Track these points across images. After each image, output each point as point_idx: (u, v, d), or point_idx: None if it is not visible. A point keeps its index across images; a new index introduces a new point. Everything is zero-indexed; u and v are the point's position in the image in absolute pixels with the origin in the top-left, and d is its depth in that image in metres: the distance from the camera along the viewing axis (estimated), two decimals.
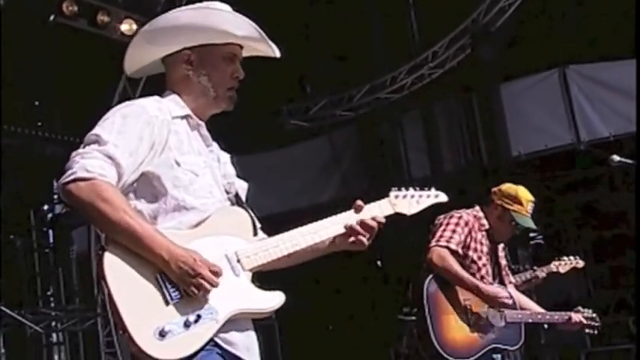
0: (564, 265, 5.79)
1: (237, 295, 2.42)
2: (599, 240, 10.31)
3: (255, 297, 2.47)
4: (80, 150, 2.40)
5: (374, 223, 2.62)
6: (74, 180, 2.32)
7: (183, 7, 2.61)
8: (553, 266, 5.77)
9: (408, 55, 10.60)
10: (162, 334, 2.26)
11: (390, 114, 10.84)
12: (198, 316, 2.32)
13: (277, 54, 2.70)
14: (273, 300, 2.48)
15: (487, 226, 4.71)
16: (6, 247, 9.17)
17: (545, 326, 4.94)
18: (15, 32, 7.63)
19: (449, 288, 4.49)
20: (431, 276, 4.48)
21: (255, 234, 2.58)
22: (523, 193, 4.70)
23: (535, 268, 5.79)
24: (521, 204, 4.66)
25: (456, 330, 4.43)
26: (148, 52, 2.67)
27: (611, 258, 10.10)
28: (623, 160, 4.36)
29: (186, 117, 2.60)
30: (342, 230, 2.62)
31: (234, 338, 2.45)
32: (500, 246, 4.87)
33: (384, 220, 2.66)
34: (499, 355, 4.57)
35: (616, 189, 9.77)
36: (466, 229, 4.60)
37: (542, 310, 4.80)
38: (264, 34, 2.63)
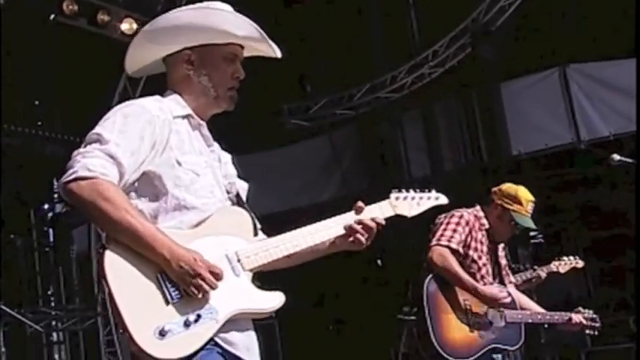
0: (564, 264, 5.80)
1: (237, 295, 2.43)
2: (599, 239, 10.29)
3: (255, 297, 2.47)
4: (81, 149, 2.40)
5: (373, 224, 2.63)
6: (75, 179, 2.33)
7: (184, 7, 2.61)
8: (553, 266, 5.78)
9: (408, 55, 10.60)
10: (162, 333, 2.26)
11: (390, 113, 10.83)
12: (198, 316, 2.33)
13: (278, 54, 2.70)
14: (273, 300, 2.49)
15: (487, 226, 4.71)
16: (6, 246, 9.14)
17: (545, 325, 4.94)
18: (15, 32, 7.63)
19: (449, 288, 4.50)
20: (431, 276, 4.48)
21: (256, 234, 2.58)
22: (523, 193, 4.70)
23: (535, 267, 5.80)
24: (521, 204, 4.66)
25: (456, 330, 4.43)
26: (149, 52, 2.67)
27: (611, 257, 10.08)
28: (623, 159, 4.37)
29: (187, 117, 2.60)
30: (343, 231, 2.63)
31: (235, 338, 2.45)
32: (501, 245, 4.87)
33: (383, 222, 2.67)
34: (499, 355, 4.57)
35: (616, 188, 9.75)
36: (467, 229, 4.60)
37: (542, 310, 4.80)
38: (264, 34, 2.62)
